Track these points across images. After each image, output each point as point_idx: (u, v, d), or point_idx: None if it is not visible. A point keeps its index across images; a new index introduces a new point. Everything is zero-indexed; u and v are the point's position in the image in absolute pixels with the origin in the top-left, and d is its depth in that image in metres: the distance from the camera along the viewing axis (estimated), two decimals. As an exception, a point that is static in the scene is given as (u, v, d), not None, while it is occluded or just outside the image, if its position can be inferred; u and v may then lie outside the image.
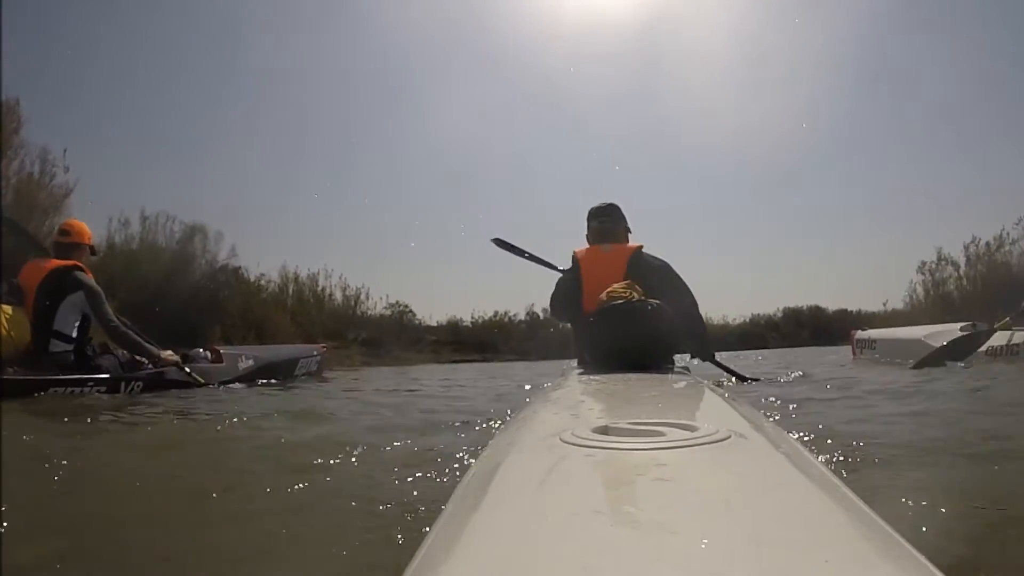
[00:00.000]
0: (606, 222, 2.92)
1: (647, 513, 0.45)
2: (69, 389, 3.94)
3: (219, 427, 2.47)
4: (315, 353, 6.47)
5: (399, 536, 1.09)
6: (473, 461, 0.87)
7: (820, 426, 1.98)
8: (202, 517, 1.25)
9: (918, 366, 4.88)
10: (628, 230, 2.99)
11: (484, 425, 2.23)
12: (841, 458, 1.52)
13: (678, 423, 0.71)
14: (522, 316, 16.94)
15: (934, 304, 12.76)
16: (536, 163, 25.39)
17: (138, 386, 4.32)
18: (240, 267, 12.78)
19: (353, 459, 1.71)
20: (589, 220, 2.98)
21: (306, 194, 21.15)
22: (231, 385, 4.88)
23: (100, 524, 1.24)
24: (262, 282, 13.50)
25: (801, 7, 22.46)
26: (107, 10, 18.53)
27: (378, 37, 23.47)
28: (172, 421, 2.84)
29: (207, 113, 20.38)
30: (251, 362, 5.45)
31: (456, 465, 1.58)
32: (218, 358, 5.17)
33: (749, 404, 1.29)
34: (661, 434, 0.66)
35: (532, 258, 3.36)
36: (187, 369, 4.57)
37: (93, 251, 4.65)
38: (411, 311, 15.99)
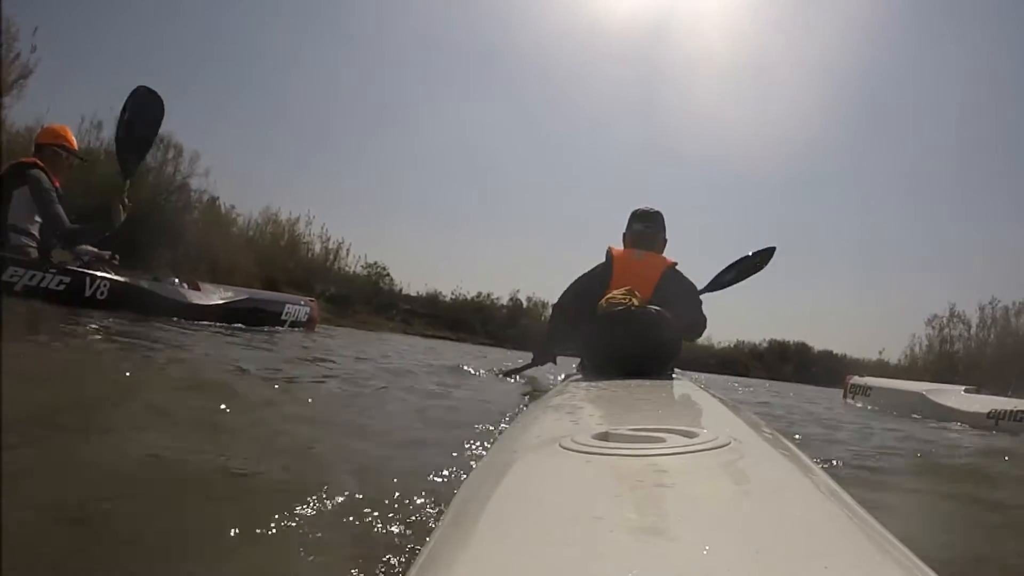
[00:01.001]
0: (650, 227, 2.90)
1: (648, 519, 0.45)
2: (30, 273, 3.86)
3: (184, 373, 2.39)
4: (302, 303, 6.26)
5: (400, 541, 1.08)
6: (474, 466, 0.87)
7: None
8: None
9: None
10: (665, 240, 2.98)
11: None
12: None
13: (678, 429, 0.71)
14: (505, 301, 16.60)
15: (938, 361, 12.45)
16: (543, 159, 25.56)
17: (104, 286, 4.19)
18: (217, 198, 11.94)
19: (343, 458, 1.69)
20: (631, 222, 2.95)
21: (321, 143, 21.13)
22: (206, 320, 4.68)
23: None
24: (233, 215, 12.65)
25: (807, 19, 22.63)
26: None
27: (409, 29, 23.73)
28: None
29: (240, 39, 20.23)
30: (230, 295, 5.25)
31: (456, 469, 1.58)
32: (195, 287, 4.99)
33: (749, 411, 1.29)
34: (661, 440, 0.66)
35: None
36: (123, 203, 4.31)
37: (78, 156, 4.52)
38: (388, 274, 15.33)
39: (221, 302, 5.08)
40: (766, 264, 3.32)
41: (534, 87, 25.69)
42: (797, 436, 2.85)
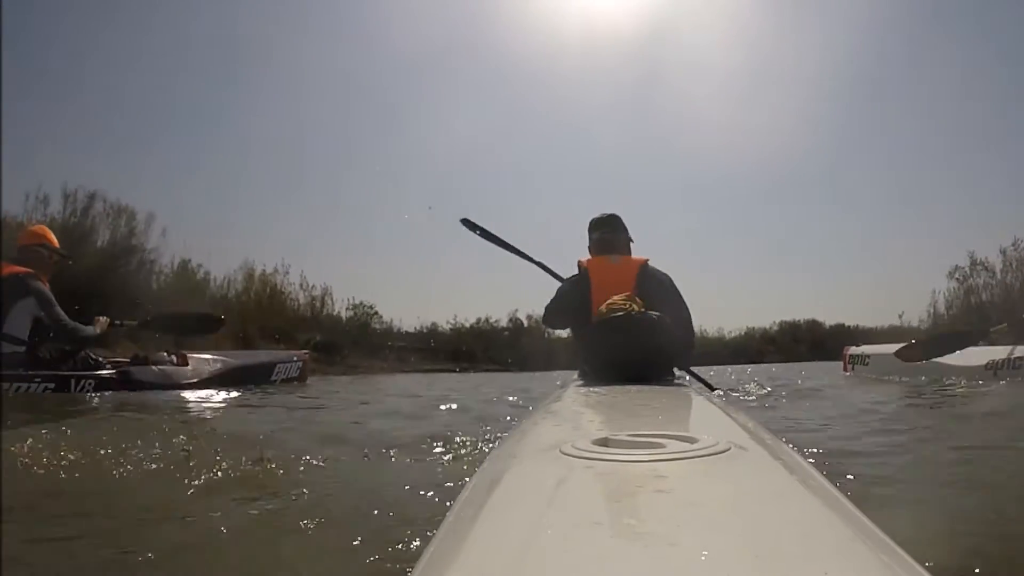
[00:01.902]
0: (607, 233, 2.90)
1: (647, 525, 0.46)
2: (16, 386, 4.02)
3: (168, 432, 2.41)
4: (295, 359, 6.35)
5: (399, 548, 1.08)
6: (474, 472, 0.87)
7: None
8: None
9: (904, 356, 4.85)
10: (630, 240, 2.97)
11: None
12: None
13: (678, 435, 0.71)
14: (504, 323, 16.23)
15: (966, 314, 11.74)
16: (535, 171, 25.53)
17: (89, 384, 4.37)
18: (189, 260, 11.57)
19: (340, 470, 1.69)
20: (590, 231, 2.95)
21: (294, 191, 20.84)
22: (196, 389, 4.78)
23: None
24: (201, 274, 12.06)
25: (801, 19, 22.70)
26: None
27: (376, 44, 23.63)
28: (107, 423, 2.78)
29: (200, 97, 19.90)
30: (219, 366, 5.33)
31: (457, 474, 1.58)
32: (183, 361, 5.11)
33: (749, 416, 1.29)
34: (661, 446, 0.66)
35: (508, 247, 3.33)
36: (119, 322, 4.72)
37: (61, 254, 4.76)
38: (377, 313, 14.69)
39: (208, 374, 5.16)
40: None
41: (515, 96, 25.59)
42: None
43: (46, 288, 4.44)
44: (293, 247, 21.52)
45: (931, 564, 0.44)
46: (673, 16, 23.42)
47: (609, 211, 2.96)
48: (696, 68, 24.39)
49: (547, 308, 2.92)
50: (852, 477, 1.57)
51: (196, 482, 1.53)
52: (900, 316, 15.06)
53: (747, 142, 25.53)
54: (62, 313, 4.43)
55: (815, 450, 1.94)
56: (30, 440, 1.97)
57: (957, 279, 12.82)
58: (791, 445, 0.87)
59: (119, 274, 9.96)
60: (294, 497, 1.45)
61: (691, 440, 0.68)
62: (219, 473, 1.66)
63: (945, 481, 1.60)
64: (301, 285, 13.81)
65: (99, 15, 17.96)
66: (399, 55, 23.95)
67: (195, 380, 5.00)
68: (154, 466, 1.76)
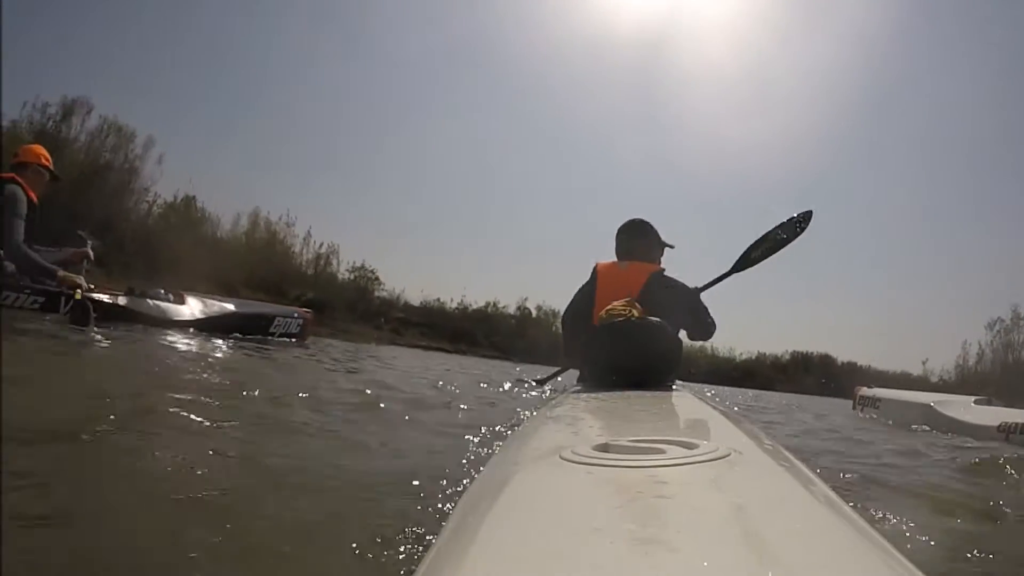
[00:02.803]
0: (634, 239, 2.91)
1: (647, 531, 0.45)
2: (6, 294, 4.02)
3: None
4: (295, 315, 6.29)
5: (399, 553, 1.08)
6: (474, 478, 0.87)
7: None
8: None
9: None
10: (664, 246, 2.95)
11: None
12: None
13: (678, 441, 0.71)
14: (512, 310, 15.93)
15: (1008, 370, 11.08)
16: (541, 174, 25.67)
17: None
18: (194, 197, 11.41)
19: (337, 467, 1.68)
20: (617, 236, 2.97)
21: (329, 157, 20.53)
22: (189, 330, 4.74)
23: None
24: (199, 211, 11.75)
25: (806, 30, 22.78)
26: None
27: (401, 50, 23.88)
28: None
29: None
30: (216, 310, 5.27)
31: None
32: (180, 299, 5.05)
33: (749, 422, 1.29)
34: (661, 452, 0.66)
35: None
36: (84, 296, 4.38)
37: (54, 176, 4.71)
38: (378, 279, 14.26)
39: (204, 316, 5.11)
40: (801, 232, 2.98)
41: (540, 98, 25.87)
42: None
43: (24, 197, 4.31)
44: (322, 217, 21.22)
45: (932, 571, 0.44)
46: (678, 22, 23.58)
47: (638, 217, 2.97)
48: (702, 79, 24.55)
49: (564, 312, 2.96)
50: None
51: (176, 447, 1.51)
52: (924, 363, 14.58)
53: (756, 159, 25.66)
54: (17, 227, 4.23)
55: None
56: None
57: (998, 334, 12.37)
58: (792, 452, 0.86)
59: (100, 192, 9.51)
60: (293, 490, 1.44)
61: (691, 446, 0.68)
62: (204, 443, 1.63)
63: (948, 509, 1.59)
64: (305, 239, 13.36)
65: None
66: (416, 59, 24.30)
67: (190, 320, 4.95)
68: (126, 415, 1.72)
